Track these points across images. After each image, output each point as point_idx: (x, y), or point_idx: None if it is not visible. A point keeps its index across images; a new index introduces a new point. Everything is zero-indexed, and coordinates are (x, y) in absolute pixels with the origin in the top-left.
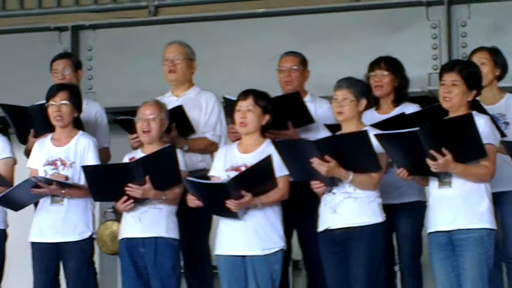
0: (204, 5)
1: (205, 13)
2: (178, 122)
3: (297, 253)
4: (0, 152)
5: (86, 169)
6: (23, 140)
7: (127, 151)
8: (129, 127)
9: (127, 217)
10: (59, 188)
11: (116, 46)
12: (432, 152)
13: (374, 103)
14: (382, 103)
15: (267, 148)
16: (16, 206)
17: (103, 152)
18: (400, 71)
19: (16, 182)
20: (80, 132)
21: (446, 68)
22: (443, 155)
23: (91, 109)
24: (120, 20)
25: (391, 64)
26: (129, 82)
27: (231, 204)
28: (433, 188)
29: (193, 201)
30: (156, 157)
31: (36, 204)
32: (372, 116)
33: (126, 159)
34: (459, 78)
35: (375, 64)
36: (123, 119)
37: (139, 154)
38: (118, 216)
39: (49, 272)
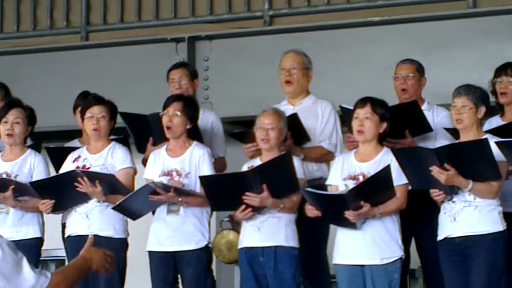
0: (320, 14)
1: (320, 22)
2: (292, 130)
3: (414, 261)
4: (120, 162)
5: (204, 179)
6: (141, 149)
7: (242, 160)
8: (244, 138)
9: (246, 227)
10: (177, 195)
11: (232, 56)
12: None
13: (499, 109)
14: (507, 110)
15: (384, 157)
16: (134, 214)
17: (219, 162)
18: None
19: None
20: (195, 142)
21: None
22: None
23: (208, 119)
24: (235, 30)
25: None
26: (245, 91)
27: (349, 214)
28: None
29: (311, 211)
30: (272, 165)
31: (153, 213)
32: (498, 123)
33: (245, 168)
34: None
35: (501, 70)
36: (238, 132)
37: (257, 162)
38: (234, 225)
39: (167, 281)
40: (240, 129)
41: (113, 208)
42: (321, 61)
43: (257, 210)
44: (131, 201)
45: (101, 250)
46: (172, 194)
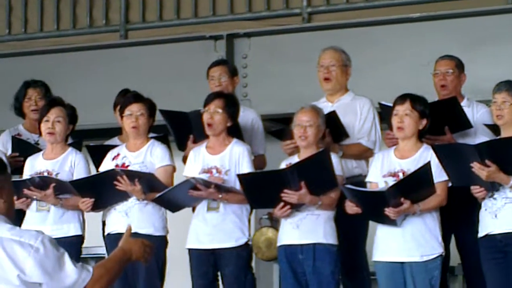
0: (358, 10)
1: (359, 19)
2: (331, 127)
3: (453, 258)
4: (159, 160)
5: (242, 177)
6: (182, 146)
7: (282, 157)
8: (282, 135)
9: (285, 224)
10: (217, 192)
11: (270, 53)
12: None
13: None
14: None
15: (424, 153)
16: (173, 207)
17: (259, 159)
18: None
19: None
20: (235, 139)
21: None
22: None
23: (248, 116)
24: (274, 28)
25: None
26: (283, 89)
27: (390, 211)
28: None
29: (351, 207)
30: (310, 162)
31: (193, 211)
32: None
33: (283, 165)
34: None
35: None
36: (276, 130)
37: (295, 160)
38: (273, 223)
39: (207, 278)
40: (278, 127)
41: (153, 200)
42: (360, 58)
43: (296, 207)
44: (171, 194)
45: (140, 240)
46: (212, 190)
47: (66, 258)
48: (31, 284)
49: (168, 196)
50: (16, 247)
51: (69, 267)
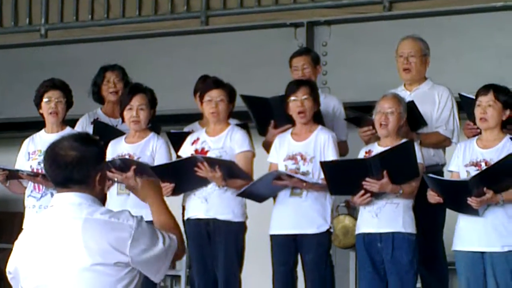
0: None
1: (440, 7)
2: (409, 116)
3: None
4: (239, 145)
5: (324, 164)
6: (263, 131)
7: (361, 144)
8: (359, 122)
9: (363, 213)
10: (300, 182)
11: (350, 41)
12: None
13: None
14: None
15: (507, 144)
16: (259, 198)
17: (342, 146)
18: None
19: (255, 175)
20: (320, 126)
21: None
22: None
23: (329, 103)
24: (354, 16)
25: None
26: (363, 77)
27: (472, 201)
28: None
29: (433, 197)
30: (394, 153)
31: (274, 197)
32: None
33: (362, 153)
34: None
35: None
36: (353, 117)
37: (375, 147)
38: (350, 210)
39: (288, 265)
40: (356, 113)
41: (238, 195)
42: (442, 47)
43: (376, 195)
44: (255, 187)
45: (141, 182)
46: (296, 179)
47: (158, 232)
48: (130, 264)
49: (252, 189)
50: (115, 229)
51: (161, 241)
